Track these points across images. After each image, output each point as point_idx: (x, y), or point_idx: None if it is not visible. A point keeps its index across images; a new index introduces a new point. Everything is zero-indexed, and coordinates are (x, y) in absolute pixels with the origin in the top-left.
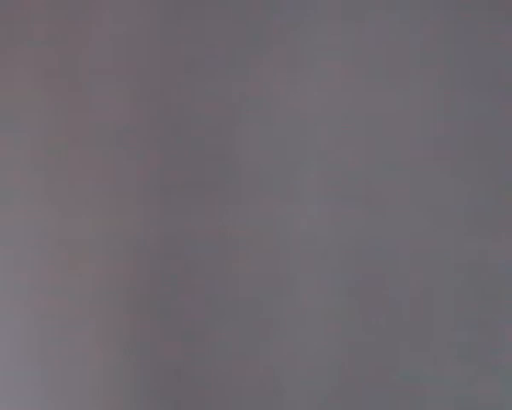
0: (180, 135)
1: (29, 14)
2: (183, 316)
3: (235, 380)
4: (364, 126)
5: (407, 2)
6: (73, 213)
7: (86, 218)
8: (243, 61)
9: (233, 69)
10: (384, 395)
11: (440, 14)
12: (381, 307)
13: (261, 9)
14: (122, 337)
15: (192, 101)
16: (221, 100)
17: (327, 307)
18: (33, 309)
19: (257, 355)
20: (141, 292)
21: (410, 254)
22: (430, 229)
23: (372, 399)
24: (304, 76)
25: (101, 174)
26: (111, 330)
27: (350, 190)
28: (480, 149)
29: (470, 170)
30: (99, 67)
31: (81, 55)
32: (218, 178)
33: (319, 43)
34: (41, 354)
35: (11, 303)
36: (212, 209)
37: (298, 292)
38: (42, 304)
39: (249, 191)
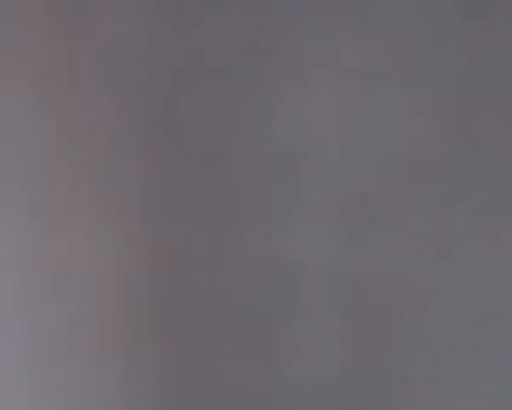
0: (179, 154)
1: (29, 14)
2: (181, 341)
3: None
4: (370, 146)
5: (409, 11)
6: (73, 224)
7: (82, 229)
8: (242, 74)
9: (232, 83)
10: (384, 396)
11: (444, 21)
12: (387, 330)
13: (260, 21)
14: (121, 346)
15: (190, 116)
16: (219, 117)
17: (330, 329)
18: (31, 318)
19: (265, 373)
20: (138, 308)
21: (417, 276)
22: (440, 252)
23: (372, 399)
24: (305, 90)
25: (98, 188)
26: (108, 340)
27: (355, 212)
28: (491, 169)
29: (481, 192)
30: (99, 70)
31: (81, 57)
32: (219, 199)
33: (320, 57)
34: (36, 363)
35: (9, 311)
36: (213, 233)
37: (302, 315)
38: (39, 313)
39: (249, 214)
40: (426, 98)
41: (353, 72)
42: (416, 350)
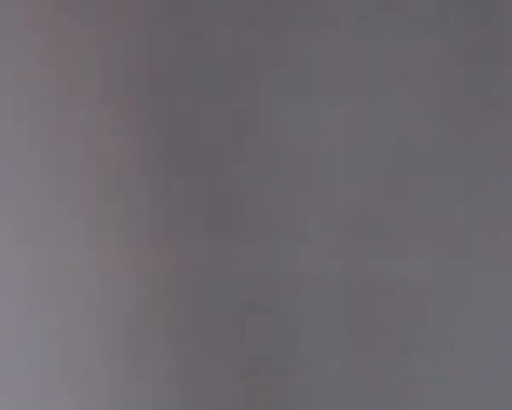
0: (182, 168)
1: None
2: (182, 360)
3: None
4: (372, 160)
5: (411, 19)
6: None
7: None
8: (244, 87)
9: (236, 95)
10: (384, 396)
11: (449, 32)
12: (387, 330)
13: (261, 33)
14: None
15: (192, 128)
16: (222, 128)
17: (331, 329)
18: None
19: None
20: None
21: (417, 276)
22: (440, 252)
23: (372, 399)
24: (306, 104)
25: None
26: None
27: (357, 227)
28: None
29: (481, 192)
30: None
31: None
32: (220, 212)
33: (322, 69)
34: (40, 375)
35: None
36: (218, 247)
37: (304, 332)
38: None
39: (254, 229)
40: (426, 101)
41: (355, 85)
42: (416, 350)
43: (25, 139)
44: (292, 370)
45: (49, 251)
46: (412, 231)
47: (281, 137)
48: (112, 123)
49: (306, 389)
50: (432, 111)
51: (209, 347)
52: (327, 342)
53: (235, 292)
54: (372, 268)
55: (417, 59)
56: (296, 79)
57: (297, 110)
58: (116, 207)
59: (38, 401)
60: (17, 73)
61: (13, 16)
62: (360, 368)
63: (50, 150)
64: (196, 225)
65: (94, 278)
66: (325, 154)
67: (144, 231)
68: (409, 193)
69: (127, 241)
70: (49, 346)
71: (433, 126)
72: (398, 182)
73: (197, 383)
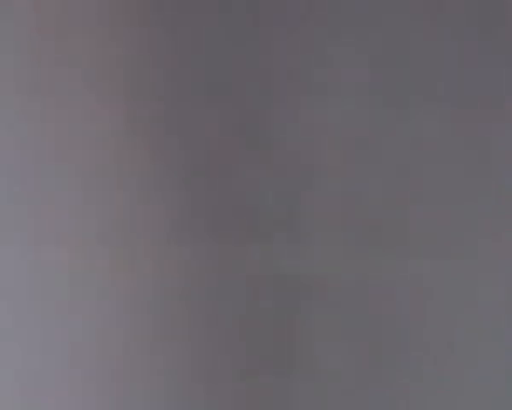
0: (182, 168)
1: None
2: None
3: None
4: (377, 162)
5: (412, 19)
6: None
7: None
8: (244, 86)
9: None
10: (384, 396)
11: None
12: (387, 330)
13: (261, 34)
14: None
15: (191, 130)
16: (222, 128)
17: (331, 330)
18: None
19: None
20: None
21: (417, 276)
22: (440, 252)
23: (372, 399)
24: (308, 104)
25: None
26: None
27: (357, 228)
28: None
29: (481, 192)
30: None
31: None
32: (223, 215)
33: (326, 70)
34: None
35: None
36: (219, 247)
37: (305, 332)
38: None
39: (255, 229)
40: (426, 101)
41: (355, 85)
42: (416, 350)
43: (25, 139)
44: (292, 370)
45: (49, 251)
46: (412, 231)
47: (283, 137)
48: (113, 123)
49: (306, 389)
50: (432, 111)
51: (209, 347)
52: (327, 341)
53: (236, 292)
54: (372, 268)
55: (417, 59)
56: (296, 78)
57: (298, 110)
58: (116, 207)
59: (38, 401)
60: (17, 73)
61: (13, 16)
62: (360, 368)
63: (51, 150)
64: (197, 224)
65: (94, 278)
66: (325, 154)
67: (146, 231)
68: (409, 193)
69: (128, 241)
70: (49, 346)
71: (433, 126)
72: (398, 182)
73: (197, 383)
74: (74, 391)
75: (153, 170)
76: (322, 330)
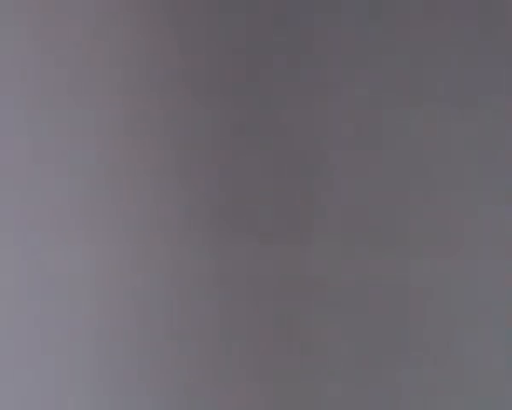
0: (183, 168)
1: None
2: (183, 381)
3: None
4: (377, 162)
5: (411, 19)
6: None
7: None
8: (245, 86)
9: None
10: (384, 396)
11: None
12: (387, 330)
13: (262, 33)
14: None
15: (196, 131)
16: (222, 128)
17: (331, 330)
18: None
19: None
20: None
21: (417, 276)
22: (440, 252)
23: (372, 399)
24: (317, 104)
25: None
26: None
27: (357, 228)
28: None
29: (481, 192)
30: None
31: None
32: (227, 215)
33: (325, 67)
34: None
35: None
36: (221, 247)
37: (304, 332)
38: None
39: (256, 229)
40: (426, 101)
41: (355, 85)
42: (416, 350)
43: (25, 139)
44: (293, 370)
45: (50, 251)
46: (412, 231)
47: (283, 137)
48: (114, 123)
49: (307, 389)
50: (431, 111)
51: (209, 347)
52: (327, 341)
53: (237, 292)
54: (372, 268)
55: (417, 59)
56: (296, 78)
57: (300, 109)
58: (116, 208)
59: (39, 401)
60: (17, 72)
61: (13, 16)
62: (360, 368)
63: (51, 150)
64: (199, 224)
65: (95, 278)
66: (326, 154)
67: (149, 230)
68: (409, 194)
69: (130, 240)
70: (48, 346)
71: (432, 127)
72: (398, 183)
73: (200, 383)
74: (74, 391)
75: (152, 170)
76: (323, 330)
